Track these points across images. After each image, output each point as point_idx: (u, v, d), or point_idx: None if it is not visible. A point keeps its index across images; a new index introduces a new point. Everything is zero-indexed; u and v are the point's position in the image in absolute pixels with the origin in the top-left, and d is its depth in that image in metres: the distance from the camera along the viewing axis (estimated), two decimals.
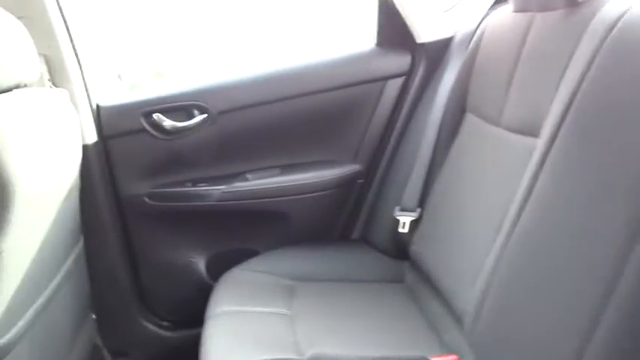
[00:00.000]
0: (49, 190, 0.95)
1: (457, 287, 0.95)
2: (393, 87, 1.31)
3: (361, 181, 1.38)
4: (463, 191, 1.04)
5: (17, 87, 0.92)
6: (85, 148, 1.22)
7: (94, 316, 1.35)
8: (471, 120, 1.10)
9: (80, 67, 1.26)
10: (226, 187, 1.32)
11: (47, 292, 0.99)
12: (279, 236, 1.38)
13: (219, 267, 1.29)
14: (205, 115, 1.30)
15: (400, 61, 1.31)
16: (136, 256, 1.38)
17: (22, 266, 0.87)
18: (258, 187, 1.32)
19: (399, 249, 1.23)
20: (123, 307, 1.38)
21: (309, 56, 1.35)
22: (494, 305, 0.81)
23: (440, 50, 1.27)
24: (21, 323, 0.89)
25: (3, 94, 0.86)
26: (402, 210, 1.20)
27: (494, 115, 0.99)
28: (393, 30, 1.31)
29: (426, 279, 1.11)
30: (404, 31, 1.29)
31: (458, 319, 0.92)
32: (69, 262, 1.11)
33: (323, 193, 1.35)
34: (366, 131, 1.34)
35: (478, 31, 1.13)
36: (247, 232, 1.39)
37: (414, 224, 1.17)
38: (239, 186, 1.32)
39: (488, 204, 0.93)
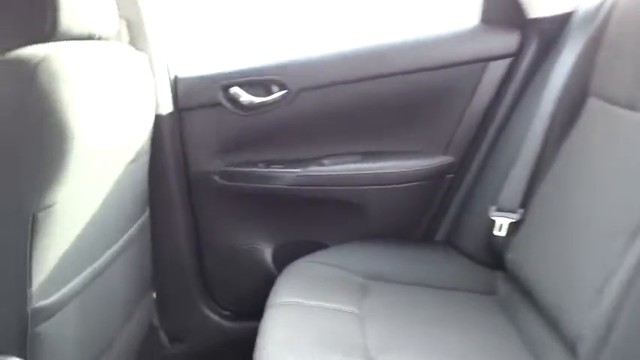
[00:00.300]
0: (114, 149, 0.89)
1: (569, 306, 0.77)
2: (497, 69, 1.14)
3: (451, 175, 1.21)
4: (583, 188, 0.86)
5: (91, 38, 0.87)
6: (159, 118, 1.17)
7: (154, 295, 1.29)
8: (595, 105, 0.91)
9: (161, 36, 1.21)
10: (301, 171, 1.21)
11: (105, 257, 0.93)
12: (353, 230, 1.25)
13: (286, 258, 1.19)
14: (284, 92, 1.20)
15: (507, 40, 1.14)
16: (201, 237, 1.30)
17: (78, 223, 0.81)
18: (335, 174, 1.20)
19: (493, 256, 1.06)
20: (184, 289, 1.31)
21: (401, 33, 1.22)
22: (628, 333, 0.63)
23: (556, 27, 1.08)
24: (72, 284, 0.83)
25: (75, 42, 0.81)
26: (499, 210, 1.02)
27: (629, 98, 0.81)
28: (500, 4, 1.15)
29: (526, 293, 0.93)
30: (513, 6, 1.13)
31: (569, 345, 0.74)
32: (132, 230, 1.05)
33: (406, 185, 1.20)
34: (462, 119, 1.18)
35: (606, 4, 0.94)
36: (319, 223, 1.28)
37: (514, 227, 1.00)
38: (314, 170, 1.21)
39: (620, 204, 0.75)
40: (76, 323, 0.86)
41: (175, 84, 1.24)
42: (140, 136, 1.02)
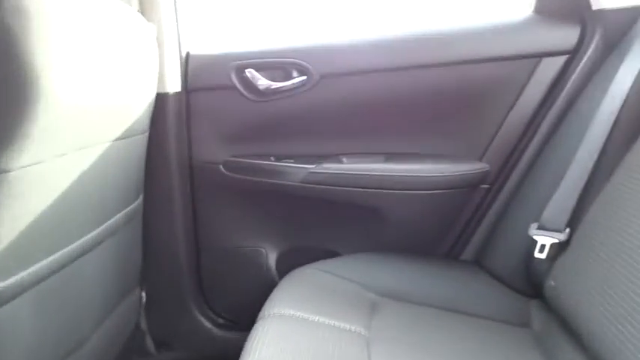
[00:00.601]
0: (101, 119, 0.77)
1: (617, 347, 0.62)
2: (550, 67, 0.99)
3: (486, 185, 1.06)
4: None
5: None
6: (164, 96, 1.06)
7: (143, 295, 1.17)
8: None
9: (175, 8, 1.10)
10: (314, 167, 1.07)
11: (81, 242, 0.81)
12: (369, 239, 1.10)
13: (291, 265, 1.05)
14: (304, 78, 1.07)
15: (564, 34, 0.99)
16: (199, 234, 1.17)
17: (49, 196, 0.69)
18: (353, 173, 1.06)
19: (529, 281, 0.90)
20: (176, 291, 1.18)
21: (441, 21, 1.08)
22: None
23: (623, 22, 0.93)
24: (36, 267, 0.70)
25: None
26: (542, 228, 0.87)
27: None
28: None
29: (565, 327, 0.77)
30: None
31: None
32: (120, 216, 0.93)
33: (433, 192, 1.05)
34: (504, 121, 1.03)
35: None
36: (331, 228, 1.14)
37: (557, 250, 0.84)
38: (330, 168, 1.07)
39: None
40: (36, 314, 0.74)
41: (186, 61, 1.12)
42: (135, 112, 0.90)
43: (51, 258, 0.74)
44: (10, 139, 0.60)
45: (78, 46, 0.66)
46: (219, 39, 1.22)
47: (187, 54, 1.13)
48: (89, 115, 0.73)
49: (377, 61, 1.05)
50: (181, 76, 1.11)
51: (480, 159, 1.05)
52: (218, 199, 1.15)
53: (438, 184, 1.04)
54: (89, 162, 0.78)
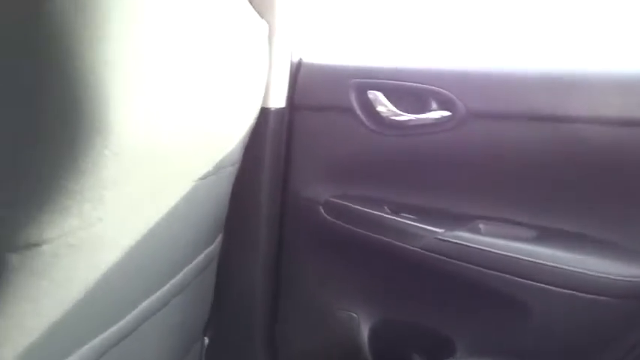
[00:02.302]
0: (181, 159, 0.55)
1: None
2: None
3: None
4: None
5: None
6: (264, 113, 0.83)
7: (206, 340, 0.97)
8: None
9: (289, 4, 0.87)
10: (443, 233, 0.81)
11: (140, 309, 0.61)
12: (498, 335, 0.84)
13: (387, 340, 0.82)
14: (448, 114, 0.81)
15: None
16: (281, 283, 0.96)
17: (96, 265, 0.48)
18: (492, 252, 0.79)
19: None
20: (245, 345, 0.97)
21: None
22: None
23: None
24: (85, 349, 0.51)
25: None
26: None
27: None
28: None
29: None
30: None
31: None
32: (189, 269, 0.72)
33: (599, 299, 0.76)
34: None
35: None
36: (448, 309, 0.88)
37: None
38: (462, 238, 0.80)
39: None
40: None
41: (297, 70, 0.90)
42: (231, 142, 0.68)
43: (105, 334, 0.54)
44: (58, 197, 0.38)
45: (168, 51, 0.43)
46: (334, 47, 0.98)
47: (299, 61, 0.90)
48: (172, 154, 0.51)
49: (552, 103, 0.77)
50: (288, 88, 0.88)
51: None
52: (311, 246, 0.93)
53: (609, 289, 0.75)
54: (161, 212, 0.56)
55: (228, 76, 0.59)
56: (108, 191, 0.42)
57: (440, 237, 0.81)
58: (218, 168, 0.67)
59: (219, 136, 0.63)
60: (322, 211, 0.89)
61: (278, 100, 0.86)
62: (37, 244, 0.39)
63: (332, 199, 0.89)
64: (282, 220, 0.92)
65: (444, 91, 0.82)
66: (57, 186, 0.37)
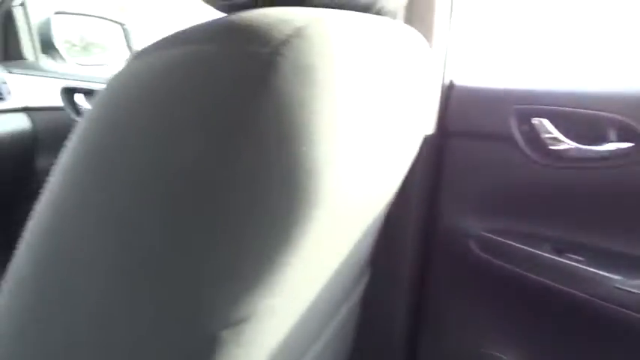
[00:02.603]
0: (370, 206, 0.52)
1: None
2: None
3: None
4: None
5: (368, 9, 0.50)
6: None
7: None
8: None
9: (450, 23, 0.81)
10: (622, 281, 0.72)
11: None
12: None
13: None
14: (630, 145, 0.71)
15: None
16: (423, 324, 0.90)
17: (276, 336, 0.46)
18: None
19: None
20: None
21: None
22: None
23: None
24: None
25: (343, 11, 0.43)
26: None
27: None
28: None
29: None
30: None
31: None
32: (343, 311, 0.68)
33: None
34: None
35: None
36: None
37: None
38: None
39: None
40: None
41: (448, 95, 0.84)
42: (399, 170, 0.63)
43: None
44: (270, 270, 0.36)
45: (362, 116, 0.40)
46: (485, 68, 0.91)
47: (451, 83, 0.85)
48: (360, 213, 0.48)
49: None
50: (438, 113, 0.83)
51: None
52: (458, 284, 0.86)
53: None
54: (332, 270, 0.53)
55: (405, 121, 0.54)
56: (309, 256, 0.39)
57: (619, 286, 0.71)
58: (382, 200, 0.63)
59: (395, 181, 0.59)
60: (473, 246, 0.83)
61: (428, 126, 0.81)
62: (245, 319, 0.37)
63: (485, 234, 0.82)
64: (428, 253, 0.86)
65: (625, 119, 0.72)
66: (268, 260, 0.35)
